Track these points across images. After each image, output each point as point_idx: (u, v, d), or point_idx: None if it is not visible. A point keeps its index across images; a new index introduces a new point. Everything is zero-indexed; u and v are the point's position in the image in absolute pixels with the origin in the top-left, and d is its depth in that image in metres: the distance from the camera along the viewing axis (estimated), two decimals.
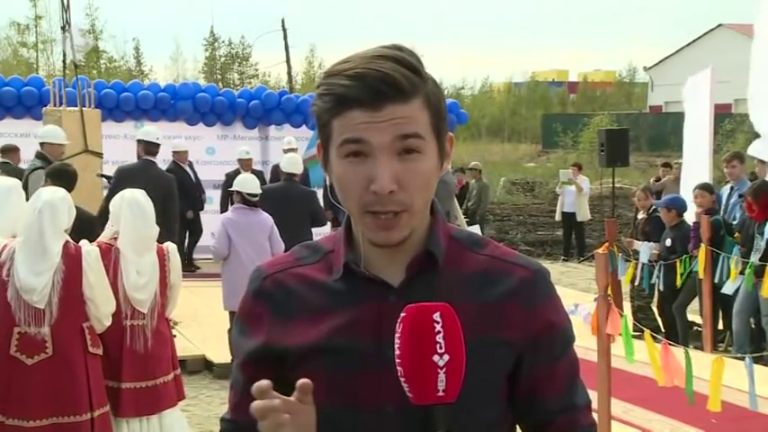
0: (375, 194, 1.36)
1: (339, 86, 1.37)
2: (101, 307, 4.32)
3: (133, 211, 4.72)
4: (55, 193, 4.42)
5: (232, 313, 7.40)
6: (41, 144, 8.16)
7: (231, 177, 11.43)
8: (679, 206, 8.91)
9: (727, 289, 7.95)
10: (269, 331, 1.49)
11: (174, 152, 12.24)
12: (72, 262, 4.24)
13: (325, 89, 1.39)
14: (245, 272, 7.30)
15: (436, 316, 1.29)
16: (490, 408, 1.44)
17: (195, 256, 12.68)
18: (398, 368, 1.29)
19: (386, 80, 1.35)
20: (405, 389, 1.30)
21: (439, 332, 1.28)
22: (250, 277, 1.56)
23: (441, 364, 1.28)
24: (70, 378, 4.22)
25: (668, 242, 8.79)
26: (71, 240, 4.35)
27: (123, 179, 7.85)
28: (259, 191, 7.54)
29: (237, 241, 7.31)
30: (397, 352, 1.30)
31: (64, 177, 6.29)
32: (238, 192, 7.51)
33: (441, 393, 1.28)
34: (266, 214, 7.48)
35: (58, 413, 4.19)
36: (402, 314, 1.30)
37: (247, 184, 7.58)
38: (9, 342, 4.16)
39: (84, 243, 4.41)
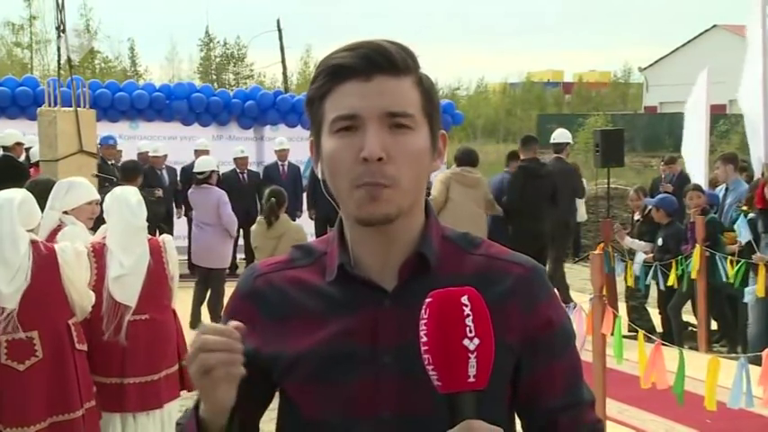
0: (365, 162, 1.33)
1: (332, 61, 1.39)
2: (77, 302, 4.28)
3: (121, 207, 4.68)
4: (15, 192, 4.27)
5: (195, 266, 9.55)
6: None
7: (227, 177, 11.41)
8: (667, 205, 8.89)
9: (748, 297, 7.77)
10: (261, 335, 1.42)
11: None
12: (43, 261, 4.15)
13: (318, 71, 1.41)
14: (200, 233, 9.18)
15: (464, 299, 1.23)
16: (494, 412, 1.36)
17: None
18: (425, 356, 1.23)
19: (378, 50, 1.37)
20: (432, 377, 1.23)
21: (468, 315, 1.22)
22: (243, 275, 1.52)
23: (471, 348, 1.21)
24: (63, 377, 4.20)
25: (660, 241, 8.80)
26: (40, 240, 4.27)
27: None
28: (206, 169, 9.20)
29: (195, 213, 9.41)
30: (423, 339, 1.23)
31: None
32: (194, 172, 9.45)
33: (471, 379, 1.22)
34: (219, 190, 9.14)
35: (54, 413, 4.18)
36: (427, 299, 1.24)
37: (197, 164, 9.50)
38: None
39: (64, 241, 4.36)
